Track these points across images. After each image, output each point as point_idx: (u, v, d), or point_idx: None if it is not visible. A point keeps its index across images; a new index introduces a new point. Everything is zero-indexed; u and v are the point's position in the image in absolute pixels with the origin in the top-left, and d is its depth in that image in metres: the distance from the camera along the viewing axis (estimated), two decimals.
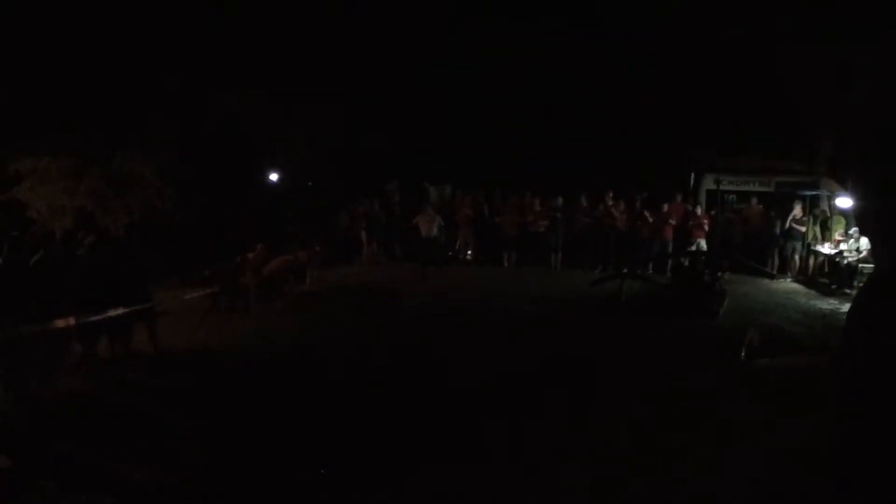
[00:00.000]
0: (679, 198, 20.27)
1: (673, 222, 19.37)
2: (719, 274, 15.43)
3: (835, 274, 17.36)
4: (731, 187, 21.64)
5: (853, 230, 17.82)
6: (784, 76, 21.24)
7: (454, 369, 10.09)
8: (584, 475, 6.46)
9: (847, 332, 2.02)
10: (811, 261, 19.11)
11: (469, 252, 21.00)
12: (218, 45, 19.41)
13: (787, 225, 18.82)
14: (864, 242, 17.12)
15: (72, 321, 8.95)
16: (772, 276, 18.68)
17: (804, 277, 18.64)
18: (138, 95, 17.49)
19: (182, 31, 18.39)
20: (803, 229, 18.83)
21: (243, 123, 21.12)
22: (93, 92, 16.58)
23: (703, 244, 19.07)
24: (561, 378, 9.70)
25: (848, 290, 16.58)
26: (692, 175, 22.33)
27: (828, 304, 15.56)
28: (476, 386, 9.18)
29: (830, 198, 19.75)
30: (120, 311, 9.70)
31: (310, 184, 26.75)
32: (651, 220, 19.32)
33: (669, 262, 18.29)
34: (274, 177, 24.00)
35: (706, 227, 19.28)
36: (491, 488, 6.26)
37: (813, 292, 16.92)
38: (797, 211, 18.81)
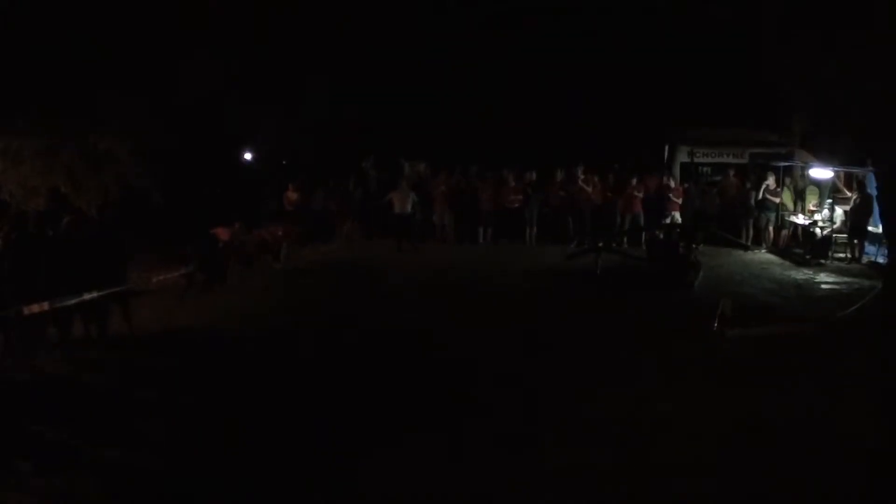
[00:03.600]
0: (651, 171, 20.29)
1: (639, 195, 19.45)
2: (694, 246, 15.49)
3: (808, 244, 17.48)
4: (705, 159, 21.68)
5: (827, 201, 17.95)
6: (763, 53, 21.30)
7: (432, 345, 10.11)
8: (562, 445, 6.52)
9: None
10: (784, 232, 19.22)
11: (445, 228, 20.94)
12: (195, 20, 19.17)
13: (761, 196, 18.90)
14: (839, 213, 17.28)
15: (45, 305, 8.89)
16: (746, 248, 18.76)
17: (778, 248, 18.75)
18: (111, 72, 17.26)
19: (156, 5, 18.15)
20: (777, 200, 18.91)
21: (220, 100, 20.91)
22: (64, 70, 16.35)
23: (678, 216, 19.12)
24: (538, 351, 9.74)
25: (823, 261, 16.72)
26: (666, 148, 22.36)
27: (802, 274, 15.67)
28: (456, 359, 9.22)
29: (804, 168, 19.86)
30: (95, 293, 9.63)
31: (284, 162, 26.60)
32: (634, 192, 19.39)
33: (644, 234, 18.35)
34: (248, 155, 23.83)
35: (680, 200, 19.33)
36: (473, 459, 6.30)
37: (787, 263, 17.01)
38: (771, 182, 18.89)
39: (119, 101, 17.56)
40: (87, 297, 9.48)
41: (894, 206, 15.40)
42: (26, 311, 8.62)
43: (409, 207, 19.03)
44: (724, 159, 21.38)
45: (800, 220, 18.49)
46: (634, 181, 19.56)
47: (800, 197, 19.68)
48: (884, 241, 15.20)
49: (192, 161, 20.09)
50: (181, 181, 19.68)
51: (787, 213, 19.14)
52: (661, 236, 16.51)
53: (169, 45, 18.53)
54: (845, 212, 17.27)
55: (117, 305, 10.45)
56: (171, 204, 18.89)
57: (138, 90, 17.88)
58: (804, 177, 19.92)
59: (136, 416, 7.49)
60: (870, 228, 16.41)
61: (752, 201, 19.11)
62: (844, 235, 17.22)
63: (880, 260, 15.51)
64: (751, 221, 19.31)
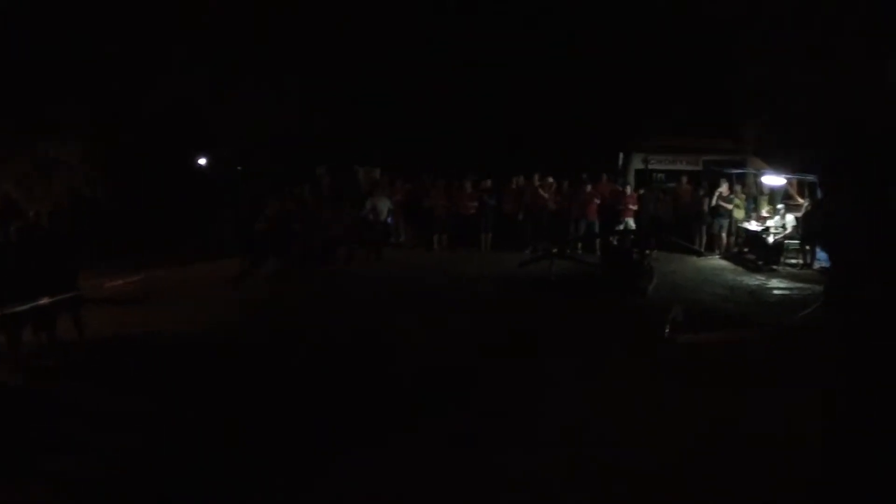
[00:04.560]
0: (604, 177, 20.34)
1: (598, 201, 19.42)
2: (647, 252, 15.52)
3: (761, 250, 17.58)
4: (659, 166, 21.78)
5: (779, 206, 18.10)
6: (717, 59, 21.50)
7: (385, 352, 9.95)
8: (510, 447, 6.43)
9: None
10: (736, 238, 19.35)
11: (402, 236, 20.82)
12: (147, 26, 18.93)
13: (715, 202, 19.02)
14: (790, 219, 17.42)
15: None
16: (699, 254, 18.85)
17: (731, 254, 18.86)
18: (63, 78, 17.01)
19: (110, 13, 17.90)
20: (730, 207, 19.05)
21: (175, 107, 20.67)
22: (14, 76, 16.09)
23: (632, 223, 19.17)
24: (491, 358, 9.62)
25: (774, 266, 16.83)
26: (621, 155, 22.43)
27: (754, 280, 15.74)
28: (409, 368, 9.07)
29: (757, 175, 20.02)
30: (46, 300, 9.40)
31: (239, 168, 26.33)
32: (588, 199, 19.39)
33: (598, 241, 18.36)
34: (202, 161, 23.55)
35: (635, 207, 19.38)
36: (427, 464, 6.19)
37: (740, 269, 17.10)
38: (724, 189, 19.03)
39: (71, 109, 17.32)
40: (39, 302, 9.25)
41: (832, 215, 15.62)
42: None
43: (384, 215, 18.92)
44: (679, 166, 21.48)
45: (752, 226, 18.61)
46: (589, 188, 19.58)
47: (753, 203, 19.83)
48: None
49: (146, 167, 19.84)
50: (134, 188, 19.41)
51: (739, 219, 19.27)
52: (615, 243, 16.51)
53: (123, 52, 18.30)
54: (797, 218, 17.42)
55: (68, 313, 10.21)
56: (124, 211, 18.61)
57: (90, 97, 17.64)
58: (757, 184, 20.09)
59: (86, 424, 7.29)
60: None
61: (706, 208, 19.20)
62: (796, 242, 17.36)
63: None
64: (704, 228, 19.43)
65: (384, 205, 18.95)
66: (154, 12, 19.12)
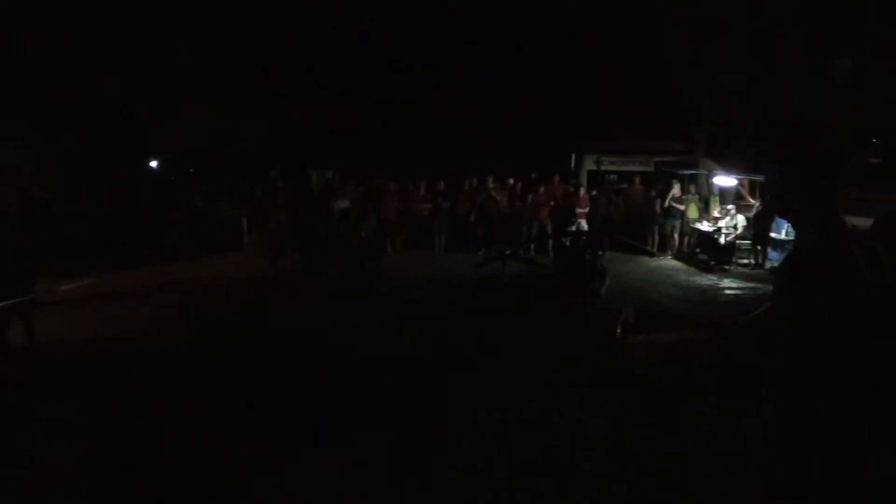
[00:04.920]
0: (556, 178, 20.32)
1: (548, 203, 19.41)
2: (600, 253, 15.48)
3: (713, 251, 17.65)
4: (611, 167, 21.85)
5: (730, 207, 18.18)
6: (668, 61, 21.64)
7: (338, 356, 9.75)
8: (456, 450, 6.28)
9: (776, 294, 2.48)
10: (688, 238, 19.44)
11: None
12: (95, 26, 18.60)
13: (667, 204, 19.07)
14: (740, 220, 17.52)
15: None
16: (652, 255, 18.88)
17: (683, 255, 18.93)
18: (12, 80, 16.67)
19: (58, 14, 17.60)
20: (682, 208, 19.12)
21: (126, 109, 20.37)
22: None
23: (584, 224, 19.17)
24: (439, 358, 9.47)
25: (726, 266, 16.90)
26: (573, 156, 22.46)
27: (706, 280, 15.77)
28: (361, 371, 8.88)
29: (708, 176, 20.13)
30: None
31: (190, 170, 26.02)
32: (541, 200, 19.36)
33: (551, 242, 18.31)
34: (154, 163, 23.23)
35: (587, 208, 19.38)
36: (377, 464, 6.02)
37: (692, 269, 17.15)
38: (676, 190, 19.10)
39: (21, 111, 16.99)
40: None
41: (768, 215, 15.74)
42: None
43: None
44: (631, 167, 21.60)
45: (704, 226, 18.69)
46: (542, 190, 19.54)
47: (703, 204, 19.93)
48: (786, 245, 15.48)
49: (97, 170, 19.53)
50: (86, 191, 19.07)
51: (692, 220, 19.35)
52: (568, 244, 16.45)
53: (74, 53, 18.01)
54: (748, 218, 17.52)
55: (19, 317, 9.87)
56: (76, 214, 18.24)
57: (41, 99, 17.32)
58: (709, 184, 20.20)
59: (32, 433, 7.01)
60: (772, 234, 16.66)
61: (658, 208, 19.24)
62: (748, 242, 17.46)
63: None
64: (656, 228, 19.48)
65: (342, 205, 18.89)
66: (96, 14, 18.81)
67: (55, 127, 18.19)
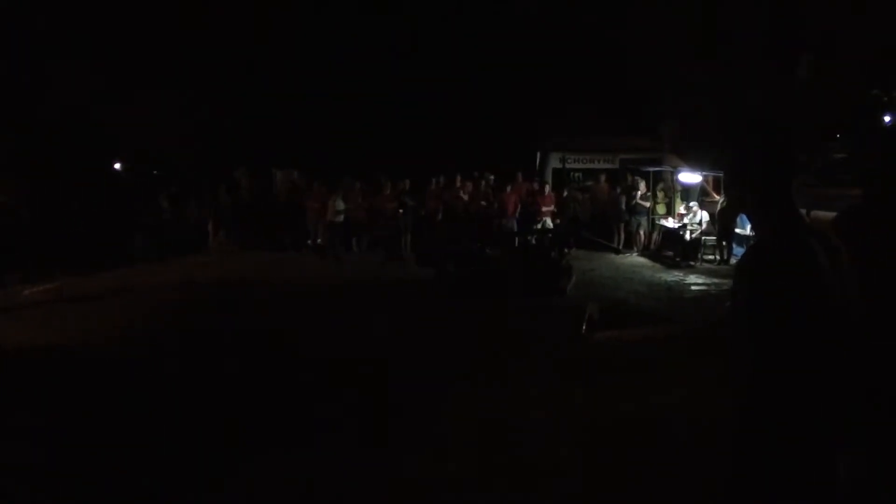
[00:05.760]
0: (520, 177, 20.30)
1: (514, 202, 19.44)
2: (566, 251, 15.42)
3: (678, 247, 17.69)
4: (577, 165, 21.87)
5: (693, 204, 18.25)
6: (632, 58, 21.71)
7: (295, 356, 9.62)
8: (420, 450, 6.17)
9: (734, 288, 2.50)
10: (654, 235, 19.50)
11: (319, 239, 20.45)
12: (54, 29, 18.34)
13: (633, 201, 19.09)
14: (704, 216, 17.58)
15: None
16: (618, 252, 18.90)
17: (649, 251, 18.97)
18: None
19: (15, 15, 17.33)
20: (647, 205, 19.17)
21: (87, 111, 20.10)
22: None
23: (550, 222, 19.16)
24: (402, 357, 9.37)
25: (692, 263, 16.95)
26: (538, 154, 22.45)
27: (672, 276, 15.79)
28: (323, 370, 8.76)
29: (673, 173, 20.20)
30: None
31: (155, 172, 25.76)
32: (506, 198, 19.36)
33: (516, 240, 18.24)
34: (118, 165, 22.98)
35: (552, 206, 19.37)
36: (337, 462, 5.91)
37: (658, 265, 17.19)
38: (641, 187, 19.12)
39: None
40: None
41: (732, 211, 15.80)
42: None
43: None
44: (596, 165, 21.63)
45: (669, 223, 18.72)
46: (508, 188, 19.51)
47: (670, 201, 20.00)
48: (751, 241, 15.54)
49: (61, 173, 19.30)
50: (50, 194, 18.82)
51: (657, 216, 19.39)
52: (534, 242, 16.39)
53: (32, 53, 17.77)
54: (712, 215, 17.58)
55: None
56: (40, 217, 17.99)
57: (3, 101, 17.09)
58: (674, 181, 20.26)
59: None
60: (737, 230, 16.73)
61: (623, 206, 19.25)
62: (713, 238, 17.51)
63: None
64: (622, 225, 19.47)
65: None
66: (59, 13, 18.59)
67: (17, 130, 17.92)
